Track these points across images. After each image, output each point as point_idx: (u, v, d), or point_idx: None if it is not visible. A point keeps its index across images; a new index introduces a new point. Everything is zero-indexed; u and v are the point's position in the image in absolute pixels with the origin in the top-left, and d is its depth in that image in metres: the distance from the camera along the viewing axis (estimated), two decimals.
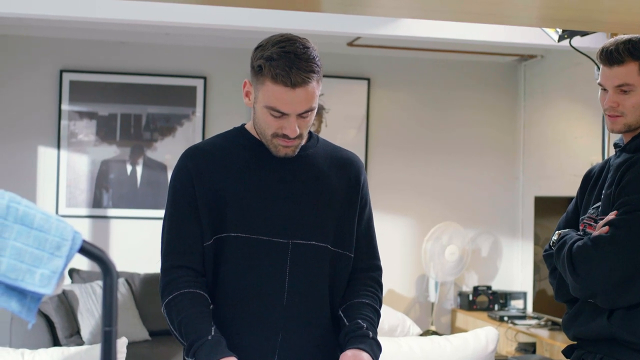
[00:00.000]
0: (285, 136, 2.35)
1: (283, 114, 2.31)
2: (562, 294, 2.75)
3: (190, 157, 2.47)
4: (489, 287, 7.00)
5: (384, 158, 7.20)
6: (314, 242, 2.43)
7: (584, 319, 2.67)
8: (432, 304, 7.02)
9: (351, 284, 2.53)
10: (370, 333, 2.42)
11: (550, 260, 2.77)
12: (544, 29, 4.73)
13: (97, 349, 2.99)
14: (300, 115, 2.33)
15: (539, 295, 6.42)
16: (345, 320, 2.46)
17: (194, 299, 2.37)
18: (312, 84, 2.29)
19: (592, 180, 2.82)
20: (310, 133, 2.51)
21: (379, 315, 2.52)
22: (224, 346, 2.30)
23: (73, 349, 3.01)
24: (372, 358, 2.37)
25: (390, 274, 6.88)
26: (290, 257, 2.40)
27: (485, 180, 7.37)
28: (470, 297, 6.92)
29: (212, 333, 2.31)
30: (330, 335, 2.49)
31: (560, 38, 4.70)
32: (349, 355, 2.35)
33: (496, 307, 6.89)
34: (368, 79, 7.18)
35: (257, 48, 2.35)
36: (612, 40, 2.70)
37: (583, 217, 2.76)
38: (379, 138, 7.21)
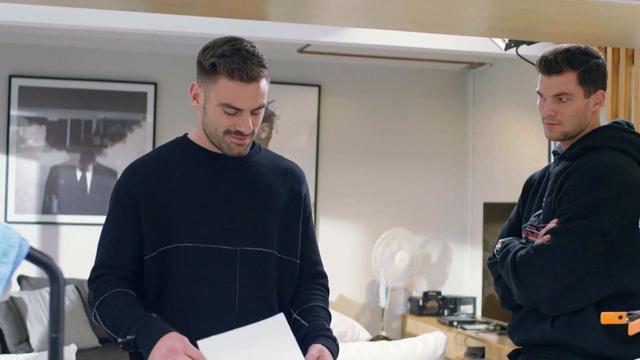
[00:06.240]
0: (238, 133, 2.38)
1: (237, 110, 2.35)
2: (507, 301, 2.79)
3: (133, 173, 2.48)
4: (438, 293, 7.06)
5: (335, 164, 7.24)
6: (261, 249, 2.45)
7: (529, 325, 2.70)
8: (383, 309, 7.06)
9: (301, 289, 2.56)
10: (331, 332, 2.47)
11: (495, 268, 2.79)
12: (492, 38, 4.81)
13: (46, 355, 2.98)
14: (253, 112, 2.37)
15: (488, 300, 6.49)
16: (304, 322, 2.48)
17: (125, 296, 2.38)
18: (264, 80, 2.37)
19: (532, 188, 2.86)
20: (252, 142, 2.53)
21: (331, 320, 2.56)
22: (166, 324, 2.30)
23: (22, 356, 3.00)
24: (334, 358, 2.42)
25: (340, 279, 6.92)
26: (240, 264, 2.42)
27: (434, 186, 7.43)
28: (421, 303, 6.97)
29: (153, 315, 2.32)
30: None
31: (507, 47, 4.79)
32: (314, 354, 2.36)
33: (446, 312, 6.95)
34: (319, 86, 7.21)
35: (205, 49, 2.39)
36: (551, 49, 2.73)
37: (525, 224, 2.80)
38: (329, 144, 7.25)
